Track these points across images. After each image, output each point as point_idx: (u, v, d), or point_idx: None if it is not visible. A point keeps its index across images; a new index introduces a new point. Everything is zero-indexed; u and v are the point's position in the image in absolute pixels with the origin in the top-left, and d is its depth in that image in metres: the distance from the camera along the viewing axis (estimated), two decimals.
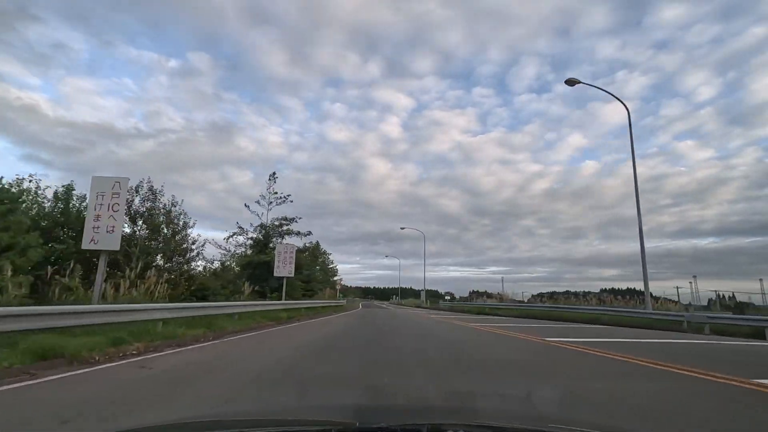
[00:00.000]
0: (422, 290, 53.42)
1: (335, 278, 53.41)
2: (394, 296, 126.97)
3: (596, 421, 3.14)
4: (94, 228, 8.62)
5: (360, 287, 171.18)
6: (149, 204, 15.81)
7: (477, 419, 1.66)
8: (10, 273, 8.12)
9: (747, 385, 4.80)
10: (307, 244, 23.94)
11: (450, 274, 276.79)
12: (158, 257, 15.40)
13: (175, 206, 16.65)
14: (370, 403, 3.77)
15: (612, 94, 19.60)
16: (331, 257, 49.58)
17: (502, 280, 52.12)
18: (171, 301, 11.95)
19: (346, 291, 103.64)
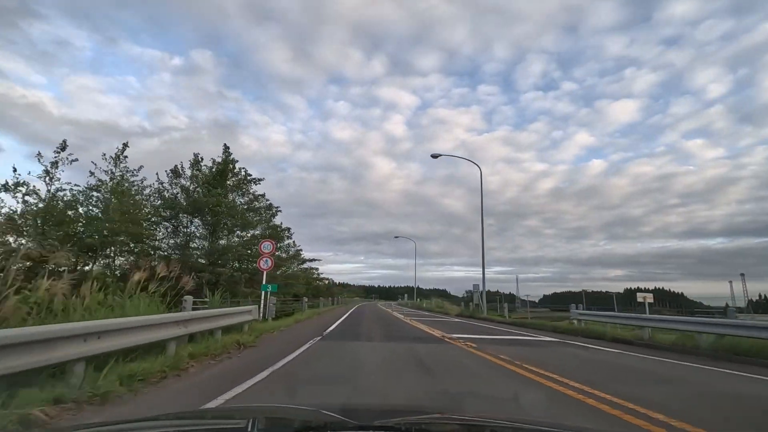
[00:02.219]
0: (478, 288, 26.19)
1: (294, 260, 25.75)
2: (405, 295, 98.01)
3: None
4: None
5: (363, 286, 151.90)
6: None
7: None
8: None
9: None
10: None
11: (454, 274, 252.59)
12: None
13: None
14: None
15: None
16: (279, 220, 21.83)
17: (517, 279, 38.01)
18: None
19: (339, 289, 75.51)
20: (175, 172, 16.63)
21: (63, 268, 9.10)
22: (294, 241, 25.56)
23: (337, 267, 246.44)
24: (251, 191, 18.33)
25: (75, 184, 12.59)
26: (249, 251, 16.46)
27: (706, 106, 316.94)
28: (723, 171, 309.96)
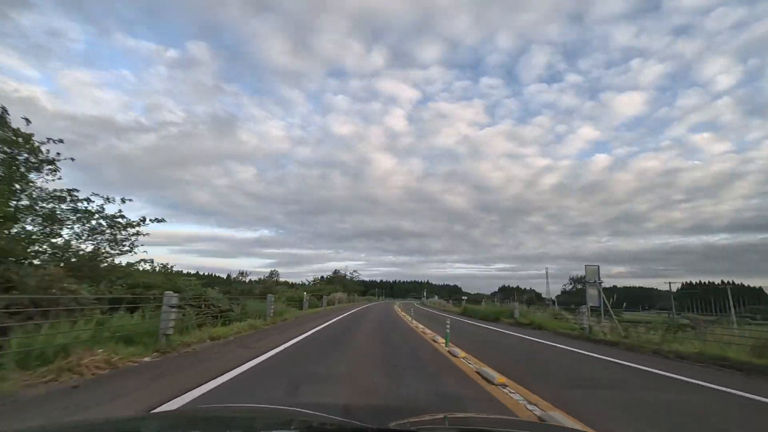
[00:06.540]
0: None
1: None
2: (424, 292, 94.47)
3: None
4: None
5: (363, 281, 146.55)
6: None
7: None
8: None
9: None
10: None
11: (456, 271, 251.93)
12: None
13: None
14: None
15: None
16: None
17: (546, 274, 40.35)
18: None
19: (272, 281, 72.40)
20: None
21: None
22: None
23: (339, 264, 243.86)
24: None
25: None
26: None
27: (714, 99, 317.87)
28: (730, 165, 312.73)
